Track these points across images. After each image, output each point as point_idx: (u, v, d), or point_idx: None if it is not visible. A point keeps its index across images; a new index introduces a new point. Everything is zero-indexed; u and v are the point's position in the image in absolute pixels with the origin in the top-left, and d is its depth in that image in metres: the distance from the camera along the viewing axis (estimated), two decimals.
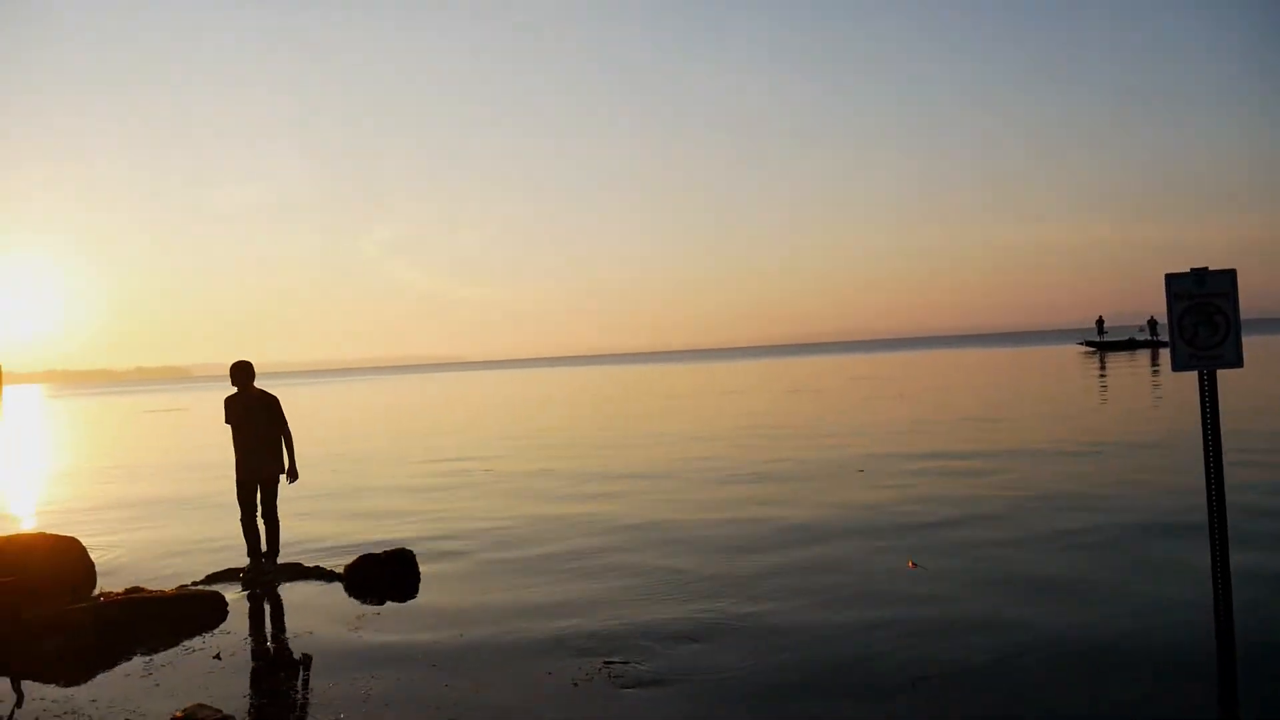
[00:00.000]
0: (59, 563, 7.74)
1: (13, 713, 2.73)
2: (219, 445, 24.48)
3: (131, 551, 10.07)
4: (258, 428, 8.67)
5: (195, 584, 8.09)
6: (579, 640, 6.21)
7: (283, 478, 8.74)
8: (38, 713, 5.11)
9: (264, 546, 8.68)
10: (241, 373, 8.76)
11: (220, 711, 4.82)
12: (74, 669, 5.99)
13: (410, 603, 7.64)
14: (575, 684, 5.41)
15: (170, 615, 7.00)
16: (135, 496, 14.95)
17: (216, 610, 7.26)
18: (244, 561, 8.74)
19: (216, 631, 6.84)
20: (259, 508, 8.69)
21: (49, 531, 8.38)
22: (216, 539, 10.40)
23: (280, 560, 8.73)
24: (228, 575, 8.41)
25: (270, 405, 8.75)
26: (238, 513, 8.63)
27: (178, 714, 4.74)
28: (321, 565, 8.58)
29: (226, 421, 8.80)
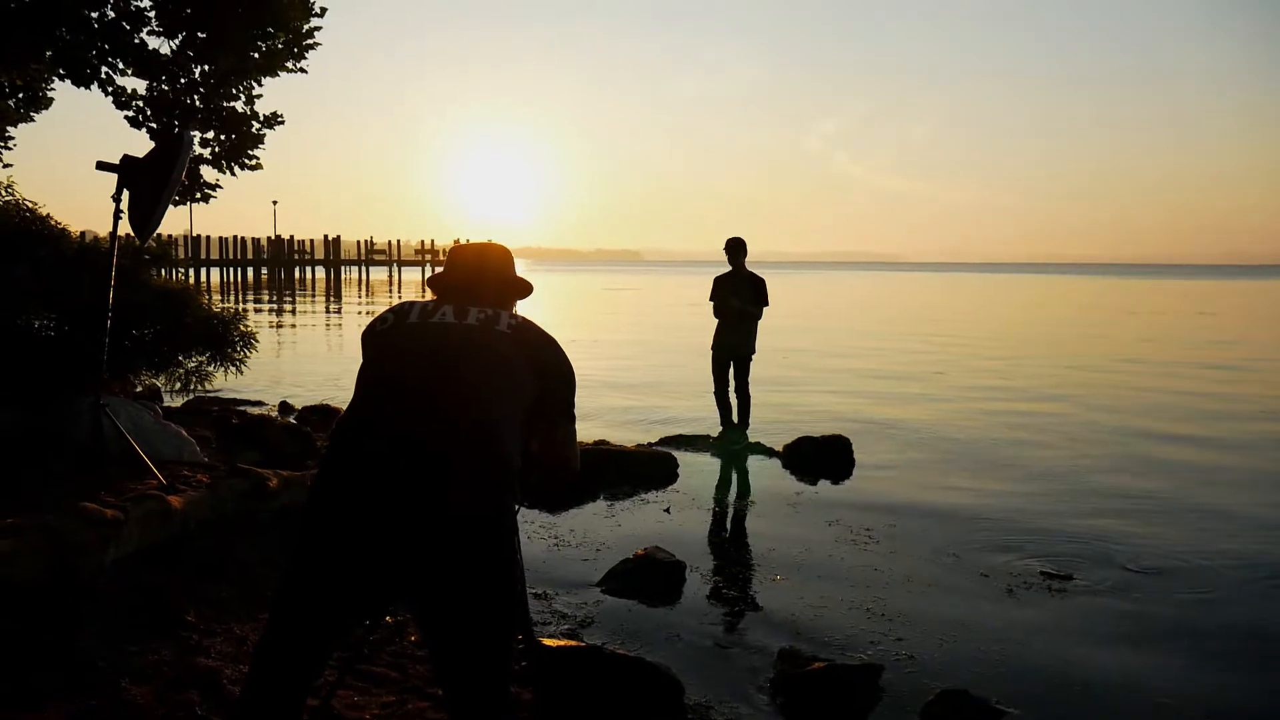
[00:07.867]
0: None
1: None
2: (671, 323, 26.35)
3: (589, 408, 11.15)
4: (741, 307, 9.09)
5: (651, 444, 8.89)
6: (1016, 545, 6.06)
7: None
8: (529, 533, 6.02)
9: (735, 418, 9.24)
10: (736, 249, 9.20)
11: (673, 556, 5.33)
12: (551, 501, 6.89)
13: (844, 485, 7.85)
14: (1010, 590, 5.29)
15: (629, 468, 7.76)
16: (597, 363, 16.53)
17: (668, 470, 7.92)
18: (687, 430, 9.47)
19: (668, 489, 7.48)
20: (731, 381, 9.24)
21: None
22: (665, 408, 11.30)
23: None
24: (680, 440, 9.13)
25: (758, 285, 9.16)
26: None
27: (639, 552, 5.32)
28: (761, 442, 9.03)
29: (710, 299, 9.33)
